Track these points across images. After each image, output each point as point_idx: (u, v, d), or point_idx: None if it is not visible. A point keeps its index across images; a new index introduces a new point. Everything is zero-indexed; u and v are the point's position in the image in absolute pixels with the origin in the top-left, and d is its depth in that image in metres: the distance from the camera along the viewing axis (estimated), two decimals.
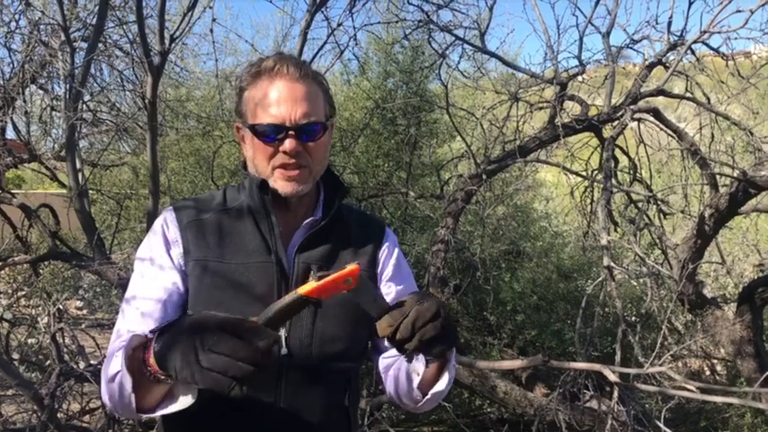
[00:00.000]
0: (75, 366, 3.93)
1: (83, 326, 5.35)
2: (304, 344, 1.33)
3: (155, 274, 1.33)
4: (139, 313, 1.29)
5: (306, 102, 1.33)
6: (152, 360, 1.05)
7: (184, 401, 1.10)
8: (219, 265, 1.33)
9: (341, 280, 1.08)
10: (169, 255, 1.34)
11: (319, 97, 1.38)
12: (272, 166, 1.34)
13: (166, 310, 1.30)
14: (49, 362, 4.22)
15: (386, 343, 1.31)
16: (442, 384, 1.30)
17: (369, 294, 1.15)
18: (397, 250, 1.51)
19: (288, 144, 1.31)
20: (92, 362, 4.18)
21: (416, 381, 1.32)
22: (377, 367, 1.49)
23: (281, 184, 1.34)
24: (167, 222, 1.38)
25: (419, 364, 1.29)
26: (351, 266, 1.09)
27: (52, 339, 3.97)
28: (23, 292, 5.65)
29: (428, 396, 1.32)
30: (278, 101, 1.32)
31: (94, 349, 4.52)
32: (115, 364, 1.16)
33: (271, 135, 1.32)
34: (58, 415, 3.87)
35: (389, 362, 1.45)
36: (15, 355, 4.51)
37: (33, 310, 5.40)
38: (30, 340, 4.91)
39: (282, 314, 1.05)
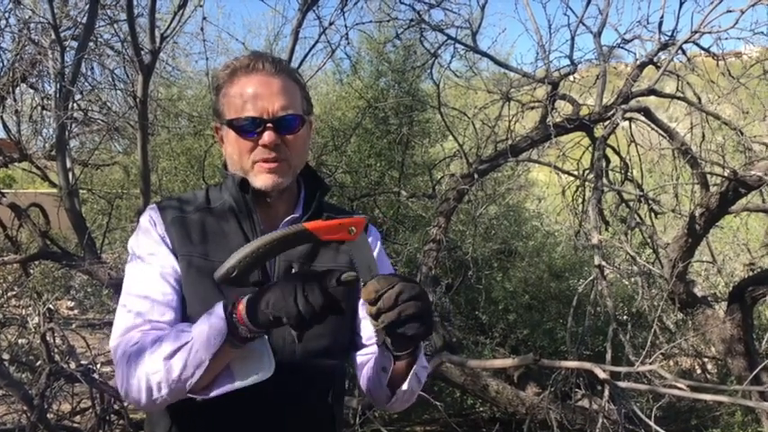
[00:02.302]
0: (65, 366, 3.90)
1: (73, 326, 5.30)
2: (287, 341, 1.33)
3: (156, 264, 1.33)
4: (152, 302, 1.30)
5: (283, 95, 1.34)
6: (242, 306, 1.11)
7: (261, 374, 1.17)
8: (204, 263, 1.33)
9: (346, 225, 1.10)
10: (164, 244, 1.36)
11: (296, 92, 1.39)
12: (252, 160, 1.34)
13: (179, 295, 1.32)
14: (39, 362, 4.20)
15: (363, 312, 1.37)
16: (407, 384, 1.30)
17: (364, 254, 1.17)
18: (379, 245, 1.51)
19: (267, 137, 1.31)
20: (82, 362, 4.15)
21: (385, 379, 1.32)
22: (353, 364, 1.50)
23: (261, 177, 1.34)
24: (153, 219, 1.39)
25: (387, 361, 1.29)
26: (358, 216, 1.13)
27: (42, 339, 3.95)
28: (13, 292, 5.61)
29: (396, 396, 1.33)
30: (255, 95, 1.32)
31: (85, 349, 4.49)
32: (180, 337, 1.18)
33: (249, 129, 1.32)
34: (48, 415, 3.85)
35: (364, 359, 1.45)
36: (5, 356, 4.47)
37: (23, 311, 5.36)
38: (20, 340, 4.88)
39: (282, 242, 1.07)
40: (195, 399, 1.18)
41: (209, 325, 1.14)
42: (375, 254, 1.48)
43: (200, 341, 1.14)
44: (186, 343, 1.16)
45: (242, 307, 1.11)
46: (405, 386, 1.31)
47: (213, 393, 1.17)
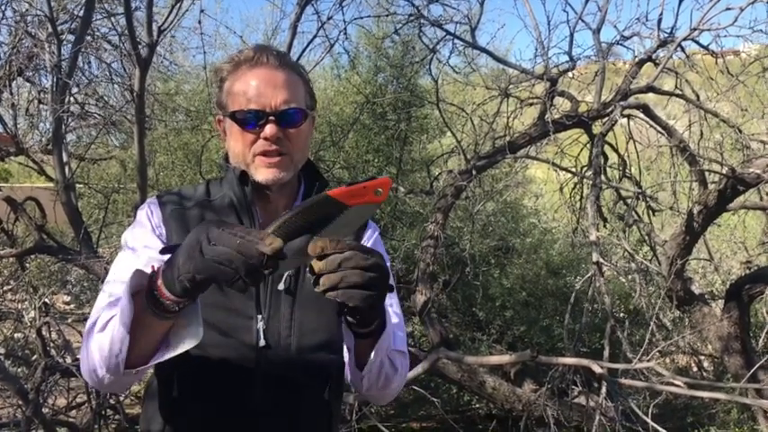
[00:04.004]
0: (60, 361, 3.90)
1: (69, 320, 5.30)
2: (283, 336, 1.32)
3: (144, 256, 1.31)
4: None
5: (286, 89, 1.33)
6: (160, 281, 1.04)
7: (189, 342, 1.09)
8: None
9: (371, 187, 1.04)
10: (158, 237, 1.35)
11: (300, 86, 1.38)
12: (254, 153, 1.33)
13: None
14: (34, 357, 4.19)
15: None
16: (369, 364, 1.26)
17: (353, 220, 1.08)
18: (376, 236, 1.50)
19: (269, 130, 1.30)
20: (78, 356, 4.14)
21: (352, 359, 1.31)
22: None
23: (262, 171, 1.33)
24: (151, 211, 1.38)
25: (349, 339, 1.27)
26: (382, 177, 1.05)
27: (38, 334, 3.94)
28: (9, 286, 5.59)
29: (365, 377, 1.30)
30: (258, 88, 1.32)
31: (81, 344, 4.48)
32: (107, 313, 1.16)
33: (251, 122, 1.32)
34: (44, 410, 3.84)
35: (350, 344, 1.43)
36: (1, 350, 4.47)
37: (19, 305, 5.35)
38: (16, 335, 4.87)
39: (306, 212, 1.02)
40: (189, 392, 1.15)
41: (121, 303, 1.09)
42: (370, 244, 1.46)
43: (119, 315, 1.09)
44: (113, 316, 1.12)
45: (161, 282, 1.04)
46: (367, 366, 1.27)
47: (151, 363, 1.12)
